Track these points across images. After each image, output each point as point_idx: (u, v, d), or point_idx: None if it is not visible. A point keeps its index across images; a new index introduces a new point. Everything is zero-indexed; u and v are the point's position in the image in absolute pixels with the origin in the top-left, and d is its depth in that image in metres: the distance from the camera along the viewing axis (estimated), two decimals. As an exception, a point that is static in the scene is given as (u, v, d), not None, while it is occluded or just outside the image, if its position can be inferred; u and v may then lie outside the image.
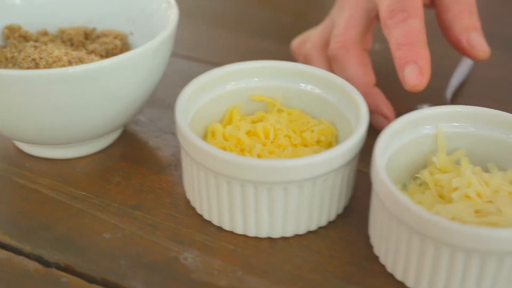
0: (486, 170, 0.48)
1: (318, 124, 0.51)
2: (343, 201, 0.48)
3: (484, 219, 0.43)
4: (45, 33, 0.57)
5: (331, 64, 0.58)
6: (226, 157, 0.43)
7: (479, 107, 0.48)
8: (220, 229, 0.48)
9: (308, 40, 0.62)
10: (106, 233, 0.47)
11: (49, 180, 0.52)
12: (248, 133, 0.50)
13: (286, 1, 0.82)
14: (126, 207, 0.49)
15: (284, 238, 0.47)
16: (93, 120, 0.50)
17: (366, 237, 0.47)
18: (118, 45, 0.55)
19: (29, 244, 0.46)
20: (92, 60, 0.50)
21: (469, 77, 0.65)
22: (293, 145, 0.49)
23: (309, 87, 0.52)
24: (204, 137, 0.51)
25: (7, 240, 0.47)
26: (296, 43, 0.64)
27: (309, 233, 0.48)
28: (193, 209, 0.49)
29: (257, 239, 0.47)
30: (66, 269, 0.45)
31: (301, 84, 0.52)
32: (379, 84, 0.57)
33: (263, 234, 0.47)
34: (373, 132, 0.52)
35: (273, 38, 0.73)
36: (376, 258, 0.46)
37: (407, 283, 0.44)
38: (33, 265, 0.45)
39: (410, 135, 0.47)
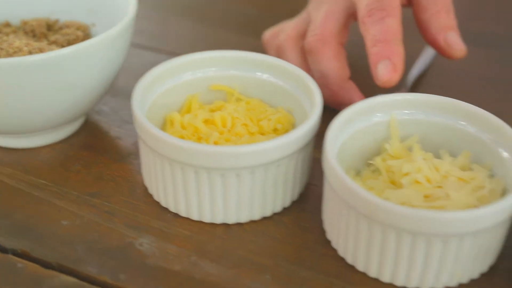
0: (438, 156, 0.49)
1: (275, 113, 0.52)
2: (298, 188, 0.49)
3: (433, 203, 0.44)
4: (7, 25, 0.58)
5: (306, 56, 0.58)
6: (179, 144, 0.44)
7: (431, 95, 0.48)
8: (176, 215, 0.49)
9: (281, 32, 0.63)
10: (64, 220, 0.48)
11: (9, 169, 0.52)
12: (206, 121, 0.51)
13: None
14: (85, 195, 0.50)
15: (239, 224, 0.48)
16: (53, 109, 0.50)
17: (320, 223, 0.48)
18: (79, 36, 0.56)
19: (-13, 231, 0.47)
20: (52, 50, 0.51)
21: (432, 67, 0.66)
22: (250, 133, 0.50)
23: (265, 76, 0.53)
24: (163, 126, 0.52)
25: (-35, 227, 0.47)
26: (268, 34, 0.65)
27: (264, 219, 0.48)
28: (151, 196, 0.50)
29: (212, 225, 0.48)
30: (22, 255, 0.46)
31: (258, 73, 0.53)
32: (354, 78, 0.58)
33: (218, 220, 0.48)
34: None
35: (239, 30, 0.73)
36: (328, 242, 0.47)
37: (358, 267, 0.45)
38: (-11, 251, 0.46)
39: (362, 122, 0.48)
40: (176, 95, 0.53)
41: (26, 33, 0.57)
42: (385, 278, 0.44)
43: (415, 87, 0.63)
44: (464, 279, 0.44)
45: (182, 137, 0.49)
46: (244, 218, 0.48)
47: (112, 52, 0.51)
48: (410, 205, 0.44)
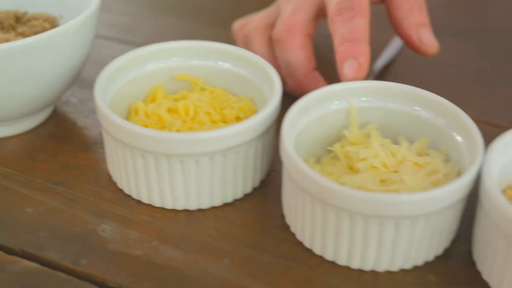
0: (396, 142, 0.50)
1: (238, 101, 0.53)
2: (259, 175, 0.50)
3: (388, 187, 0.45)
4: (-25, 17, 0.58)
5: (273, 46, 0.59)
6: (138, 131, 0.45)
7: (386, 82, 0.49)
8: (139, 202, 0.49)
9: (249, 22, 0.63)
10: (28, 207, 0.49)
11: (-24, 159, 0.53)
12: (169, 110, 0.52)
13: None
14: (50, 183, 0.51)
15: (200, 210, 0.49)
16: (18, 99, 0.51)
17: (281, 209, 0.49)
18: (47, 27, 0.57)
19: (-49, 219, 0.48)
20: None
21: (399, 57, 0.67)
22: (212, 121, 0.51)
23: (227, 65, 0.54)
24: (128, 116, 0.53)
25: None
26: (237, 25, 0.66)
27: (225, 205, 0.49)
28: (115, 184, 0.51)
29: (174, 211, 0.49)
30: (-15, 242, 0.46)
31: (219, 63, 0.54)
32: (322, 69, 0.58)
33: (180, 206, 0.48)
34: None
35: (211, 23, 0.74)
36: (287, 227, 0.48)
37: (315, 250, 0.46)
38: (-47, 239, 0.46)
39: (320, 110, 0.49)
40: (141, 85, 0.53)
41: (-6, 25, 0.58)
42: (341, 261, 0.45)
43: (382, 77, 0.64)
44: (419, 262, 0.45)
45: (145, 126, 0.50)
46: (205, 204, 0.48)
47: (76, 42, 0.52)
48: (366, 189, 0.44)
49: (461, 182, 0.42)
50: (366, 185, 0.45)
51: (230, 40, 0.66)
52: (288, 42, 0.57)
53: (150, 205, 0.49)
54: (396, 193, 0.43)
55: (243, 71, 0.53)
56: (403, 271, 0.45)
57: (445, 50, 0.60)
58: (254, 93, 0.53)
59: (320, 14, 0.59)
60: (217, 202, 0.49)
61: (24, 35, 0.56)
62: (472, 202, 0.46)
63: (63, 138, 0.55)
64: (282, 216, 0.48)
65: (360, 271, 0.45)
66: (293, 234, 0.47)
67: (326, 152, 0.50)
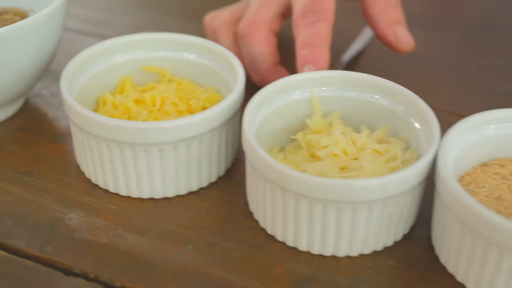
0: (358, 131, 0.50)
1: (204, 92, 0.54)
2: (223, 164, 0.51)
3: (347, 174, 0.46)
4: None
5: (238, 42, 0.60)
6: (102, 120, 0.46)
7: (347, 72, 0.50)
8: (106, 191, 0.50)
9: (218, 16, 0.64)
10: (-4, 197, 0.50)
11: None
12: (136, 101, 0.52)
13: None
14: (19, 173, 0.52)
15: (166, 199, 0.50)
16: (-13, 91, 0.52)
17: (245, 197, 0.50)
18: (17, 21, 0.57)
19: None
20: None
21: (368, 49, 0.68)
22: (179, 112, 0.52)
23: (192, 56, 0.54)
24: (96, 107, 0.54)
25: None
26: (207, 18, 0.67)
27: (190, 193, 0.50)
28: (83, 174, 0.52)
29: (140, 200, 0.50)
30: (-48, 230, 0.47)
31: (185, 54, 0.55)
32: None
33: (145, 195, 0.49)
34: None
35: (184, 17, 0.75)
36: (251, 215, 0.49)
37: (277, 237, 0.47)
38: None
39: (282, 100, 0.50)
40: (109, 76, 0.54)
41: (-35, 19, 0.58)
42: (302, 247, 0.46)
43: (351, 68, 0.65)
44: (378, 247, 0.46)
45: (113, 117, 0.51)
46: (170, 193, 0.49)
47: (43, 35, 0.52)
48: (326, 176, 0.45)
49: (415, 168, 0.43)
50: (327, 172, 0.46)
51: (204, 33, 0.67)
52: (251, 38, 0.58)
53: (116, 194, 0.50)
54: (353, 179, 0.44)
55: (209, 62, 0.54)
56: (362, 256, 0.46)
57: (415, 41, 0.61)
58: (220, 84, 0.54)
59: (287, 12, 0.60)
60: (183, 190, 0.50)
61: (-6, 28, 0.56)
62: (432, 188, 0.47)
63: (34, 130, 0.56)
64: (246, 204, 0.49)
65: (321, 256, 0.46)
66: (256, 221, 0.48)
67: (290, 141, 0.51)
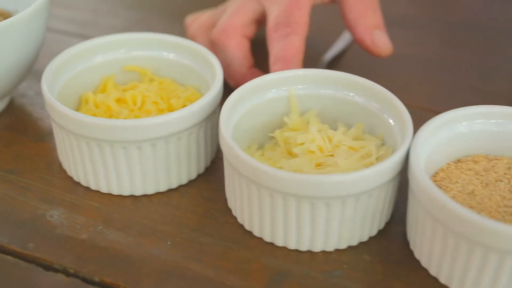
0: (335, 128, 0.51)
1: (184, 91, 0.54)
2: (203, 161, 0.52)
3: (322, 170, 0.47)
4: None
5: (212, 47, 0.61)
6: (81, 118, 0.47)
7: (321, 70, 0.51)
8: (87, 189, 0.51)
9: (197, 20, 0.65)
10: (-21, 195, 0.51)
11: None
12: (118, 100, 0.53)
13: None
14: (2, 172, 0.53)
15: (146, 196, 0.51)
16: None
17: (224, 194, 0.51)
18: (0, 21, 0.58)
19: None
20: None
21: (350, 48, 0.69)
22: (159, 110, 0.53)
23: (171, 56, 0.55)
24: (78, 106, 0.55)
25: None
26: (188, 20, 0.67)
27: (170, 190, 0.51)
28: (65, 172, 0.53)
29: (121, 197, 0.50)
30: None
31: (164, 53, 0.55)
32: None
33: (125, 192, 0.50)
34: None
35: (170, 17, 0.76)
36: (229, 211, 0.49)
37: (254, 232, 0.47)
38: None
39: (259, 98, 0.51)
40: (91, 76, 0.55)
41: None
42: (279, 242, 0.47)
43: (332, 68, 0.66)
44: (354, 242, 0.47)
45: (94, 115, 0.52)
46: (150, 190, 0.50)
47: (26, 35, 0.53)
48: (302, 172, 0.46)
49: (387, 164, 0.44)
50: (302, 169, 0.47)
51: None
52: (225, 44, 0.58)
53: (97, 192, 0.51)
54: (326, 174, 0.45)
55: (188, 61, 0.55)
56: (338, 251, 0.47)
57: (395, 40, 0.62)
58: (200, 82, 0.54)
59: (262, 19, 0.60)
60: (162, 187, 0.50)
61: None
62: (407, 184, 0.48)
63: (18, 129, 0.57)
64: (225, 201, 0.50)
65: (297, 251, 0.46)
66: (234, 218, 0.49)
67: (269, 139, 0.52)
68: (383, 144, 0.49)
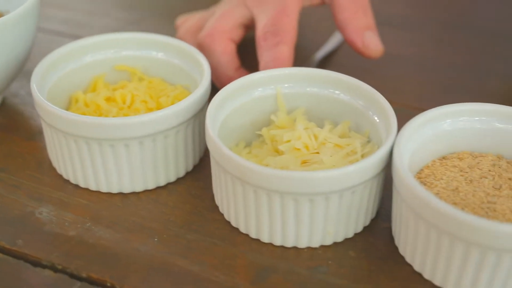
0: (322, 126, 0.52)
1: (173, 90, 0.55)
2: (191, 159, 0.52)
3: (307, 167, 0.47)
4: None
5: (200, 50, 0.61)
6: (69, 117, 0.47)
7: (306, 68, 0.52)
8: (77, 187, 0.52)
9: (186, 22, 0.66)
10: (-31, 193, 0.51)
11: None
12: (107, 99, 0.54)
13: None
14: (-7, 170, 0.53)
15: (135, 193, 0.51)
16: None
17: (211, 191, 0.51)
18: (-7, 22, 0.59)
19: None
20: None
21: (342, 47, 0.69)
22: (148, 109, 0.53)
23: (160, 55, 0.56)
24: (69, 105, 0.55)
25: None
26: (179, 21, 0.68)
27: (158, 188, 0.52)
28: (55, 170, 0.53)
29: (109, 194, 0.51)
30: None
31: (153, 53, 0.56)
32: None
33: (114, 190, 0.51)
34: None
35: (164, 17, 0.76)
36: (217, 208, 0.50)
37: (240, 229, 0.48)
38: None
39: (245, 97, 0.51)
40: (82, 75, 0.56)
41: None
42: (264, 238, 0.47)
43: (324, 66, 0.66)
44: (339, 238, 0.47)
45: (84, 114, 0.52)
46: (139, 187, 0.51)
47: (17, 34, 0.54)
48: (287, 169, 0.47)
49: (370, 161, 0.44)
50: (288, 166, 0.47)
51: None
52: (210, 47, 0.59)
53: (87, 189, 0.51)
54: (309, 171, 0.46)
55: (177, 60, 0.55)
56: (323, 247, 0.47)
57: (386, 40, 0.62)
58: (189, 82, 0.55)
59: (250, 24, 0.61)
60: (151, 185, 0.51)
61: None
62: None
63: (10, 128, 0.58)
64: (212, 198, 0.51)
65: (283, 247, 0.47)
66: (221, 215, 0.49)
67: (256, 136, 0.53)
68: (369, 142, 0.50)
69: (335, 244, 0.47)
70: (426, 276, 0.45)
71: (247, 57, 0.62)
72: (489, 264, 0.41)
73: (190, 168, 0.53)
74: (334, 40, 0.69)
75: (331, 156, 0.47)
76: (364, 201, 0.46)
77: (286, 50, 0.55)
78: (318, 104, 0.52)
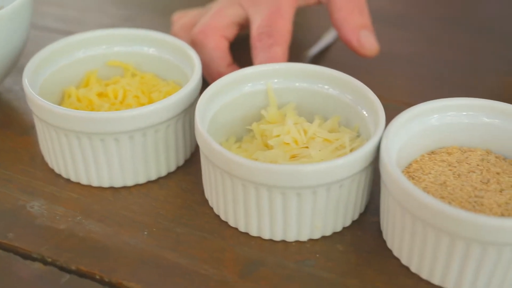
0: (313, 121, 0.52)
1: (165, 86, 0.55)
2: (182, 153, 0.53)
3: (296, 162, 0.47)
4: None
5: (193, 46, 0.61)
6: (59, 111, 0.48)
7: (295, 63, 0.52)
8: (68, 181, 0.52)
9: (181, 18, 0.66)
10: (-38, 187, 0.52)
11: None
12: (99, 94, 0.54)
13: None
14: (-14, 165, 0.54)
15: (126, 188, 0.52)
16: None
17: (202, 186, 0.51)
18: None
19: None
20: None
21: (335, 44, 0.70)
22: (140, 104, 0.54)
23: (152, 51, 0.56)
24: (61, 100, 0.56)
25: None
26: (174, 17, 0.68)
27: (149, 182, 0.52)
28: (47, 164, 0.54)
29: (101, 188, 0.51)
30: None
31: (146, 48, 0.56)
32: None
33: (105, 184, 0.51)
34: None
35: (159, 14, 0.77)
36: (207, 202, 0.50)
37: (230, 223, 0.48)
38: None
39: (235, 92, 0.52)
40: (75, 71, 0.56)
41: None
42: (253, 232, 0.47)
43: (317, 63, 0.66)
44: (327, 232, 0.47)
45: (77, 109, 0.53)
46: (130, 182, 0.51)
47: (10, 30, 0.54)
48: (276, 163, 0.47)
49: (357, 155, 0.44)
50: (277, 160, 0.47)
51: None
52: (202, 44, 0.59)
53: (78, 183, 0.52)
54: (296, 164, 0.46)
55: (169, 56, 0.56)
56: (311, 240, 0.47)
57: (380, 37, 0.62)
58: (181, 77, 0.55)
59: (244, 23, 0.61)
60: (142, 179, 0.51)
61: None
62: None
63: (4, 123, 0.58)
64: (203, 192, 0.51)
65: (271, 241, 0.47)
66: (211, 209, 0.50)
67: (247, 131, 0.53)
68: (358, 136, 0.50)
69: (324, 238, 0.48)
70: (413, 269, 0.45)
71: (242, 55, 0.62)
72: (475, 257, 0.42)
73: (181, 162, 0.53)
74: (328, 37, 0.70)
75: (319, 150, 0.48)
76: (352, 195, 0.46)
77: (280, 51, 0.56)
78: (308, 99, 0.53)
